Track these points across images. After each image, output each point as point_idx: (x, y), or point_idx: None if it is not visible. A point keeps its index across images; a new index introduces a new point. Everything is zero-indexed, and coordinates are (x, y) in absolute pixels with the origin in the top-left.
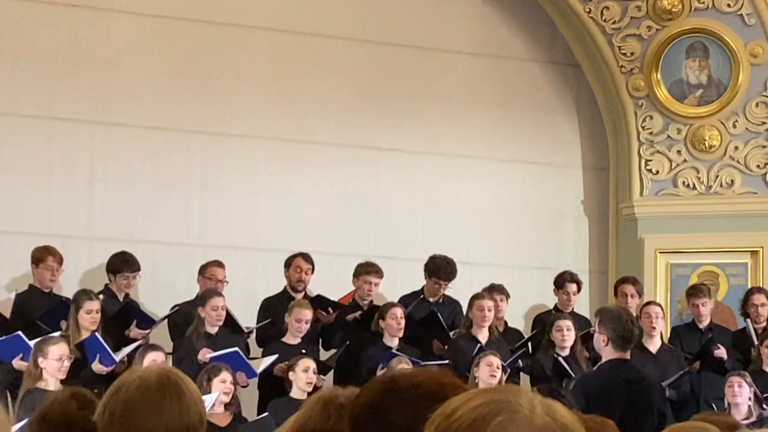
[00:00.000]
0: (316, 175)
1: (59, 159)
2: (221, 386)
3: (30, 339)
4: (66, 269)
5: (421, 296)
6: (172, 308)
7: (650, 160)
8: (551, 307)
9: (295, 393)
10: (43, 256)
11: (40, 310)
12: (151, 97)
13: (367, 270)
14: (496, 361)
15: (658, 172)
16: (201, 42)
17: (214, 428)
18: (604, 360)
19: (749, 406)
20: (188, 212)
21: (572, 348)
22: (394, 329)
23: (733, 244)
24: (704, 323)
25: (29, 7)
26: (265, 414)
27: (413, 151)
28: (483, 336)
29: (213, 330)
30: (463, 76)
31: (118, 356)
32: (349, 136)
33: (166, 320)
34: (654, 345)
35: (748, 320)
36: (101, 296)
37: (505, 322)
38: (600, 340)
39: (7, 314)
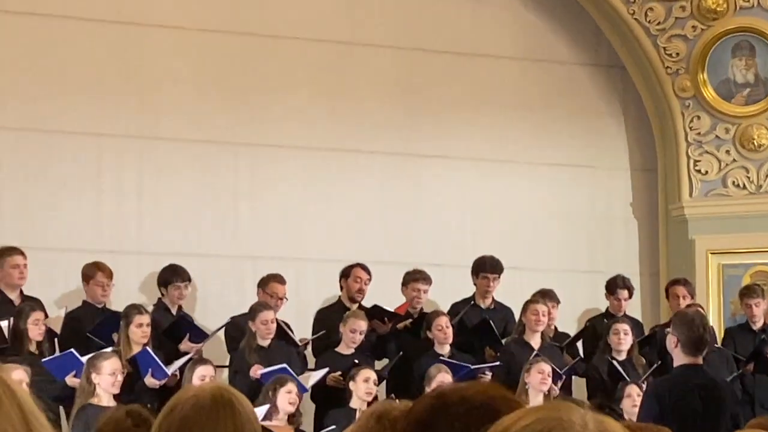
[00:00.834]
0: (363, 183)
1: (108, 175)
2: (287, 397)
3: (82, 354)
4: (117, 284)
5: (472, 302)
6: (227, 321)
7: (699, 161)
8: (602, 311)
9: (355, 403)
10: (92, 272)
11: (91, 326)
12: (196, 110)
13: (414, 277)
14: (547, 368)
15: (707, 172)
16: (244, 54)
17: None
18: (675, 364)
19: None
20: (237, 224)
21: (629, 353)
22: (440, 338)
23: None
24: (758, 324)
25: (75, 25)
26: (332, 427)
27: (459, 157)
28: (536, 341)
29: (265, 343)
30: (507, 81)
31: (170, 370)
32: (395, 144)
33: (221, 333)
34: None
35: None
36: (153, 307)
37: (555, 327)
38: (671, 342)
39: (58, 330)
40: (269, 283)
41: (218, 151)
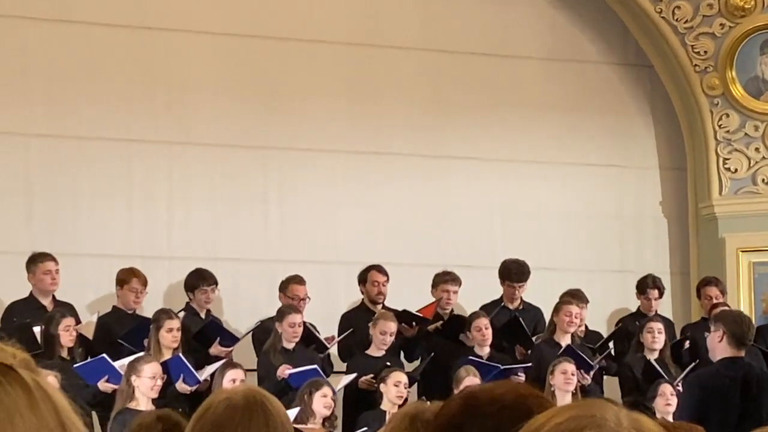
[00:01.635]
0: (393, 186)
1: (138, 180)
2: (323, 400)
3: (113, 360)
4: (148, 289)
5: (502, 304)
6: (255, 324)
7: (728, 159)
8: (632, 310)
9: (386, 405)
10: (128, 277)
11: (122, 331)
12: (226, 115)
13: (444, 279)
14: (570, 368)
15: (736, 170)
16: (272, 58)
17: None
18: (718, 357)
19: None
20: (267, 228)
21: (661, 352)
22: (479, 339)
23: None
24: None
25: (104, 32)
26: (365, 429)
27: (488, 158)
28: (565, 342)
29: (289, 346)
30: (534, 82)
31: (202, 375)
32: (424, 146)
33: (249, 336)
34: None
35: None
36: (183, 313)
37: (586, 327)
38: (715, 338)
39: (90, 336)
40: (289, 285)
41: (247, 156)
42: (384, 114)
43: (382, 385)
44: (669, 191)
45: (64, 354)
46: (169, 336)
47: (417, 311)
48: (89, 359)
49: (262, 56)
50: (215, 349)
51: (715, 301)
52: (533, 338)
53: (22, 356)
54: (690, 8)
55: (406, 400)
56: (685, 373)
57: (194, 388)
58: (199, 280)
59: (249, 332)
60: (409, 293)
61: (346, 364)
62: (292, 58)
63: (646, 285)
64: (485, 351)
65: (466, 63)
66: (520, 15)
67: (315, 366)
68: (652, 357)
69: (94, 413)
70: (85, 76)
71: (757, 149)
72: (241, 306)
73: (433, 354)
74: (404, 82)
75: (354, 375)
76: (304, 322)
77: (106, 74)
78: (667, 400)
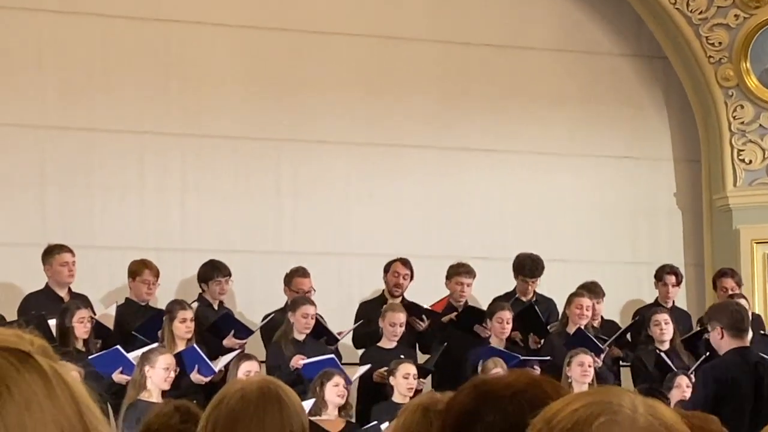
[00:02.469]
0: (406, 178)
1: (152, 172)
2: (335, 390)
3: (127, 351)
4: (161, 281)
5: (515, 296)
6: (264, 318)
7: (742, 150)
8: (647, 302)
9: (397, 398)
10: (139, 269)
11: (135, 323)
12: (239, 107)
13: (458, 271)
14: (587, 359)
15: (750, 161)
16: (287, 50)
17: None
18: (724, 351)
19: None
20: (280, 220)
21: (672, 342)
22: (498, 331)
23: None
24: None
25: (117, 24)
26: (374, 423)
27: (502, 150)
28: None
29: (301, 337)
30: (549, 73)
31: (217, 366)
32: (438, 138)
33: (258, 330)
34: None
35: None
36: (196, 304)
37: (602, 317)
38: (716, 336)
39: (110, 326)
40: (293, 279)
41: (261, 148)
42: (398, 106)
43: (391, 378)
44: (683, 183)
45: (80, 346)
46: (183, 327)
47: (428, 306)
48: (103, 351)
49: (276, 48)
50: (229, 341)
51: (731, 292)
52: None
53: (39, 343)
54: None
55: (418, 391)
56: (696, 364)
57: (209, 378)
58: (213, 271)
59: (263, 324)
60: (422, 285)
61: (360, 353)
62: (306, 51)
63: (664, 271)
64: (500, 343)
65: (481, 55)
66: (534, 7)
67: (331, 355)
68: (663, 348)
69: (107, 405)
70: (99, 68)
71: None
72: (254, 298)
73: (446, 344)
74: (418, 74)
75: (368, 366)
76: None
77: (120, 67)
78: (683, 391)
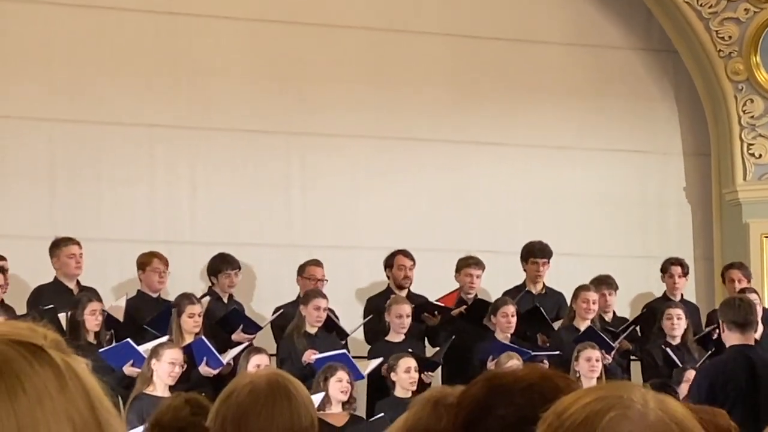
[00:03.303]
0: (416, 171)
1: (162, 165)
2: (338, 385)
3: (139, 344)
4: (171, 274)
5: (525, 289)
6: (275, 311)
7: (752, 144)
8: (657, 295)
9: (399, 392)
10: (148, 260)
11: (148, 315)
12: (249, 100)
13: (467, 263)
14: (595, 354)
15: (760, 155)
16: (296, 43)
17: (330, 428)
18: (728, 345)
19: None
20: (290, 213)
21: (684, 337)
22: (504, 325)
23: None
24: None
25: (127, 16)
26: (381, 414)
27: (512, 144)
28: (585, 327)
29: (313, 330)
30: (558, 67)
31: (225, 358)
32: (448, 132)
33: (269, 323)
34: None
35: None
36: (208, 298)
37: (614, 312)
38: (722, 332)
39: (120, 318)
40: (306, 267)
41: (271, 141)
42: (407, 99)
43: (392, 374)
44: (693, 177)
45: (91, 338)
46: (191, 321)
47: (437, 300)
48: (114, 344)
49: (286, 41)
50: (238, 336)
51: (738, 284)
52: (556, 323)
53: (52, 337)
54: None
55: (428, 385)
56: (703, 359)
57: (217, 371)
58: (223, 264)
59: (272, 319)
60: (432, 278)
61: (368, 349)
62: (316, 44)
63: (669, 263)
64: (505, 337)
65: (490, 48)
66: (544, 1)
67: (343, 351)
68: (674, 343)
69: (119, 397)
70: (109, 61)
71: None
72: (264, 291)
73: (454, 337)
74: (428, 68)
75: (381, 359)
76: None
77: (130, 59)
78: None
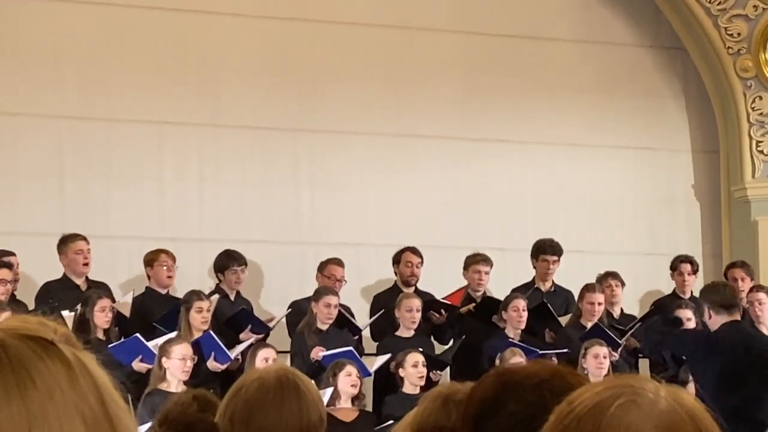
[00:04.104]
0: (424, 168)
1: (170, 162)
2: (348, 380)
3: (148, 341)
4: (179, 271)
5: (534, 286)
6: (288, 308)
7: (761, 141)
8: (665, 293)
9: (408, 389)
10: (155, 255)
11: (157, 312)
12: (257, 97)
13: (476, 260)
14: (603, 351)
15: None
16: (305, 40)
17: (339, 423)
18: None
19: None
20: (298, 210)
21: None
22: (515, 321)
23: None
24: None
25: (136, 14)
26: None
27: (521, 141)
28: (592, 325)
29: (324, 327)
30: (567, 64)
31: (233, 353)
32: (455, 129)
33: (283, 319)
34: (766, 330)
35: None
36: (216, 296)
37: (621, 309)
38: (707, 314)
39: (127, 314)
40: (327, 265)
41: (279, 138)
42: (416, 97)
43: (401, 370)
44: (701, 174)
45: (100, 335)
46: (199, 317)
47: (444, 297)
48: (123, 339)
49: (294, 39)
50: (245, 335)
51: (741, 283)
52: (563, 318)
53: (62, 331)
54: None
55: (436, 383)
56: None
57: (225, 366)
58: (230, 260)
59: (280, 319)
60: (440, 276)
61: (376, 345)
62: (324, 41)
63: (678, 260)
64: (516, 334)
65: (498, 45)
66: None
67: (350, 348)
68: None
69: (128, 394)
70: (118, 58)
71: None
72: (272, 288)
73: (464, 337)
74: (436, 65)
75: (388, 356)
76: (340, 305)
77: (139, 56)
78: None
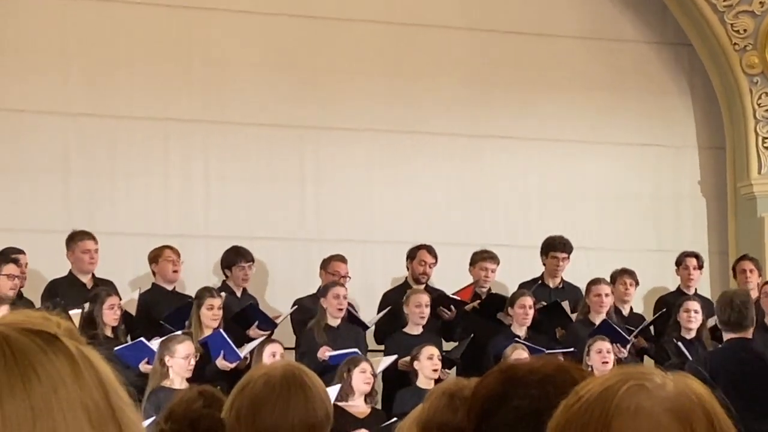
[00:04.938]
0: (430, 165)
1: (175, 159)
2: (362, 377)
3: (155, 338)
4: (185, 268)
5: (540, 282)
6: (293, 305)
7: (767, 138)
8: (671, 289)
9: (422, 382)
10: (160, 251)
11: (163, 308)
12: (263, 94)
13: (482, 257)
14: (606, 346)
15: None
16: (310, 37)
17: (353, 419)
18: (724, 340)
19: None
20: (304, 207)
21: (699, 332)
22: (521, 318)
23: None
24: None
25: (142, 10)
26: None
27: (527, 138)
28: (600, 320)
29: (335, 322)
30: (574, 61)
31: (243, 352)
32: (461, 125)
33: (288, 317)
34: None
35: None
36: (223, 293)
37: (631, 308)
38: (718, 323)
39: (133, 312)
40: (330, 262)
41: (284, 135)
42: (422, 93)
43: (416, 363)
44: (707, 170)
45: (108, 332)
46: (209, 314)
47: (453, 294)
48: (129, 342)
49: (300, 35)
50: (253, 332)
51: (750, 275)
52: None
53: (66, 325)
54: None
55: (440, 379)
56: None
57: (234, 364)
58: (237, 256)
59: (286, 316)
60: (446, 272)
61: (384, 344)
62: (329, 37)
63: (685, 255)
64: (522, 330)
65: (505, 42)
66: None
67: (356, 350)
68: (689, 336)
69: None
70: (123, 55)
71: None
72: (278, 285)
73: (473, 335)
74: (442, 61)
75: (395, 357)
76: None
77: (145, 53)
78: None
